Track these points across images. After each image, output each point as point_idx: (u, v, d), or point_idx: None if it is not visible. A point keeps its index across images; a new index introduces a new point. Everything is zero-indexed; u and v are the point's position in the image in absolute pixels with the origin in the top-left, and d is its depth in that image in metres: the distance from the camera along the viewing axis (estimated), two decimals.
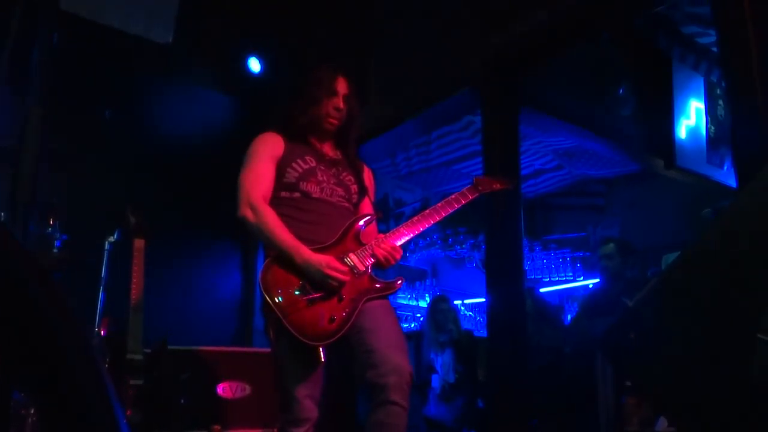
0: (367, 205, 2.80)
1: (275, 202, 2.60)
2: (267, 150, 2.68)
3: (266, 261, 2.48)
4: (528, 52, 4.25)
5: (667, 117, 5.33)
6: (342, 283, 2.44)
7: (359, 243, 2.59)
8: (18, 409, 3.22)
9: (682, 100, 5.43)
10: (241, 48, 5.88)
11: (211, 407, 4.01)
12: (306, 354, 2.41)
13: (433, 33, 4.79)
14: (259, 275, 2.45)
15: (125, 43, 5.04)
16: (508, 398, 3.95)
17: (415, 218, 2.66)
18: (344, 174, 2.76)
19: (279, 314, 2.35)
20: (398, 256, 2.57)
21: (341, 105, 2.71)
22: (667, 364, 1.38)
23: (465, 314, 8.19)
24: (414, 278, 8.73)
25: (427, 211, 2.67)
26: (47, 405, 0.91)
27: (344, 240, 2.58)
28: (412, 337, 6.81)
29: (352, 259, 2.51)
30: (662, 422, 3.37)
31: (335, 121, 2.73)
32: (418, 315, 8.30)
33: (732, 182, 5.19)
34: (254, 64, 5.89)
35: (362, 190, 2.80)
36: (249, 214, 2.53)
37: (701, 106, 5.57)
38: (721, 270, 1.35)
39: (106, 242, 4.12)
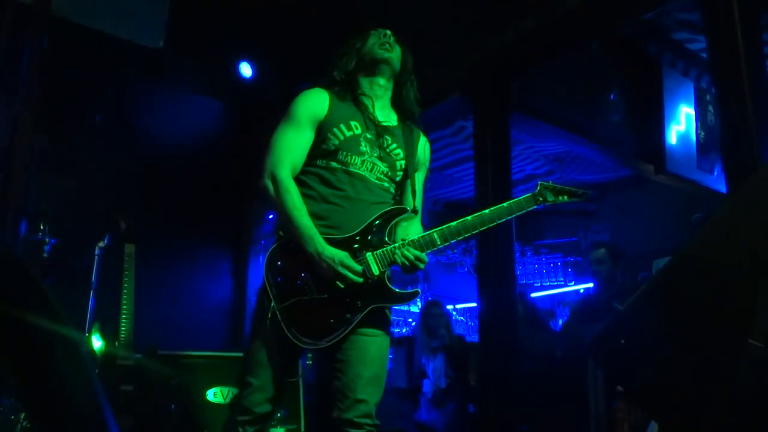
0: (409, 188, 2.48)
1: (306, 169, 2.36)
2: (308, 111, 2.39)
3: (276, 244, 2.29)
4: (519, 58, 4.26)
5: (657, 122, 5.37)
6: (351, 286, 2.20)
7: (383, 241, 2.30)
8: (8, 415, 3.20)
9: (673, 106, 5.47)
10: (233, 52, 5.88)
11: (202, 412, 4.00)
12: (285, 348, 2.24)
13: (424, 39, 4.80)
14: (267, 256, 2.28)
15: (116, 48, 5.03)
16: (499, 403, 3.96)
17: (453, 226, 2.30)
18: (393, 146, 2.45)
19: (273, 306, 2.18)
20: (422, 266, 2.28)
21: (388, 35, 2.51)
22: (658, 368, 1.38)
23: (457, 319, 8.20)
24: (406, 283, 8.71)
25: (470, 219, 2.31)
26: (37, 411, 0.91)
27: (368, 233, 2.29)
28: (403, 342, 6.81)
29: (369, 259, 2.24)
30: (653, 427, 3.37)
31: (389, 47, 2.49)
32: (410, 320, 8.30)
33: (722, 187, 5.22)
34: (245, 69, 5.88)
35: (410, 168, 2.48)
36: (270, 186, 2.30)
37: (691, 111, 5.61)
38: (710, 275, 1.36)
39: (97, 247, 4.10)
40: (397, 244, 2.27)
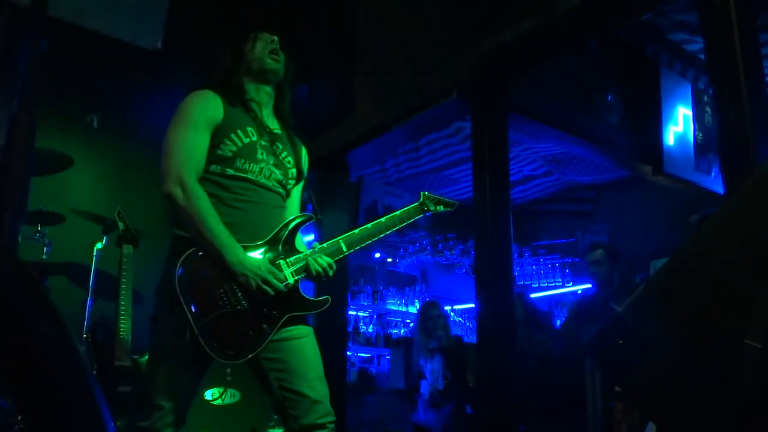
0: (296, 195, 2.54)
1: (202, 177, 2.27)
2: (204, 113, 2.30)
3: (187, 254, 2.13)
4: (517, 59, 4.27)
5: (655, 123, 5.37)
6: (270, 295, 2.16)
7: (293, 249, 2.29)
8: (4, 417, 3.20)
9: (670, 107, 5.47)
10: None
11: (200, 413, 3.99)
12: (202, 366, 2.20)
13: (421, 39, 4.81)
14: (180, 267, 2.10)
15: (113, 49, 5.02)
16: (496, 404, 3.95)
17: (356, 233, 2.40)
18: (284, 154, 2.45)
19: (192, 322, 2.05)
20: (331, 274, 2.31)
21: (275, 41, 2.49)
22: (655, 369, 1.38)
23: (454, 320, 8.21)
24: (404, 284, 8.74)
25: (371, 226, 2.43)
26: (34, 412, 0.91)
27: (277, 241, 2.27)
28: (401, 343, 6.81)
29: (283, 267, 2.23)
30: (650, 428, 3.38)
31: (276, 56, 2.47)
32: (408, 320, 8.31)
33: (719, 189, 5.22)
34: None
35: (299, 175, 2.51)
36: (177, 193, 2.16)
37: (689, 112, 5.61)
38: (708, 276, 1.36)
39: (95, 248, 4.10)
40: (307, 253, 2.28)
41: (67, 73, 4.96)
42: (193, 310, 2.07)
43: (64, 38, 4.61)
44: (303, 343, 2.27)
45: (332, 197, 5.61)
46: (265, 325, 2.17)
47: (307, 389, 2.19)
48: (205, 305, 2.09)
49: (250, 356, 2.14)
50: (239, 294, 2.14)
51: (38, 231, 4.27)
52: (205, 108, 2.32)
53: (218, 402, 4.05)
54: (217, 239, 2.13)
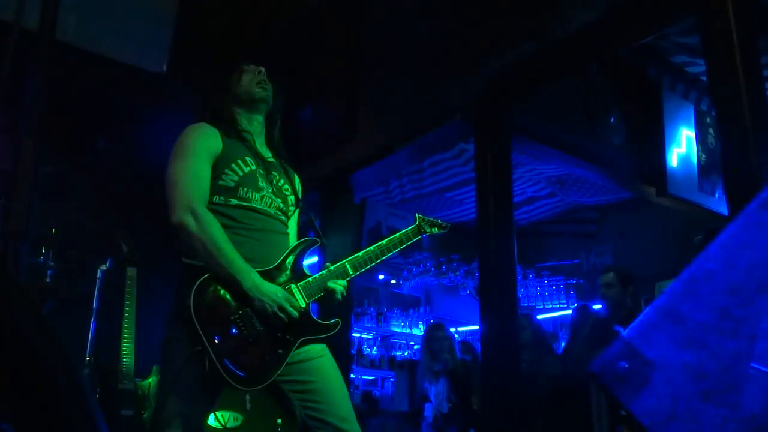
0: (295, 221, 2.56)
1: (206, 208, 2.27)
2: (204, 145, 2.31)
3: (200, 280, 2.13)
4: (520, 82, 4.28)
5: (658, 145, 5.38)
6: (290, 320, 2.17)
7: (301, 274, 2.31)
8: None
9: (673, 129, 5.48)
10: None
11: None
12: (212, 393, 2.20)
13: (425, 61, 4.83)
14: (194, 294, 2.09)
15: (119, 73, 5.07)
16: (501, 428, 3.92)
17: (360, 256, 2.43)
18: (282, 182, 2.48)
19: (208, 348, 2.04)
20: (340, 297, 2.35)
21: (263, 73, 2.51)
22: (662, 393, 1.38)
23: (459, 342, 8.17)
24: (408, 306, 8.71)
25: (373, 249, 2.46)
26: None
27: (283, 267, 2.29)
28: (405, 365, 6.78)
29: (295, 291, 2.25)
30: None
31: (264, 85, 2.50)
32: (412, 342, 8.27)
33: (723, 209, 5.22)
34: None
35: (297, 202, 2.54)
36: (189, 221, 2.16)
37: (692, 134, 5.62)
38: (714, 298, 1.35)
39: (99, 271, 4.10)
40: (317, 276, 2.31)
41: (74, 96, 4.99)
42: (209, 337, 2.06)
43: (71, 62, 4.65)
44: (322, 362, 2.28)
45: (336, 219, 5.61)
46: (280, 350, 2.17)
47: (333, 411, 2.19)
48: (220, 331, 2.09)
49: (267, 382, 2.14)
50: (254, 319, 2.15)
51: (42, 254, 4.28)
52: (205, 139, 2.34)
53: (218, 426, 4.03)
54: (233, 265, 2.14)
